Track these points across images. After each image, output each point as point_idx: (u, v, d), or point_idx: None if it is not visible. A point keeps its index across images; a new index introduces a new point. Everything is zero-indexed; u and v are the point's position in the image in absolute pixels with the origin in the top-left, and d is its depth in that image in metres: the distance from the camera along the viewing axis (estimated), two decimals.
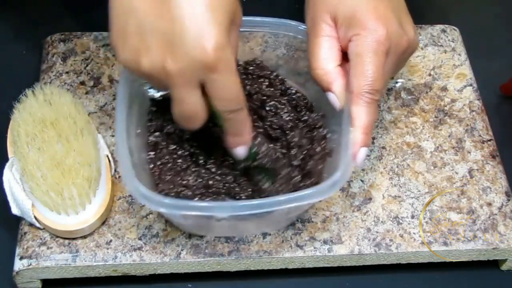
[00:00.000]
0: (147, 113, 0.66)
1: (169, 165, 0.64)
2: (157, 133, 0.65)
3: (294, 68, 0.71)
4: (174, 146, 0.65)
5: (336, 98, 0.62)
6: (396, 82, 0.77)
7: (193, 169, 0.65)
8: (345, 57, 0.63)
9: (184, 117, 0.57)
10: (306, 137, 0.67)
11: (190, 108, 0.56)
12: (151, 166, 0.65)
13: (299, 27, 0.68)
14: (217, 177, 0.64)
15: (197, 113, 0.56)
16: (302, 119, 0.68)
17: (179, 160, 0.65)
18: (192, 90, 0.55)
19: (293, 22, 0.69)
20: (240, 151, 0.60)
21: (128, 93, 0.63)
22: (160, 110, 0.65)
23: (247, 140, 0.60)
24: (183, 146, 0.65)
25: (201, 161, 0.65)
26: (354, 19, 0.61)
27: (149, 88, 0.60)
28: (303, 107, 0.69)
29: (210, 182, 0.64)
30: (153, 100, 0.63)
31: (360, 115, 0.61)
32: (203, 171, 0.65)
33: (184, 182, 0.63)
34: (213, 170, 0.65)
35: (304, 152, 0.66)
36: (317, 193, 0.59)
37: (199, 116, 0.57)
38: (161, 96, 0.60)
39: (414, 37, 0.64)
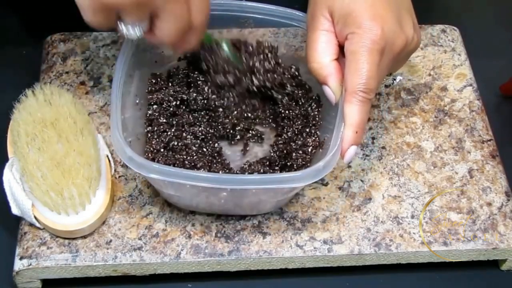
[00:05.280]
0: (147, 85, 0.70)
1: (161, 138, 0.67)
2: (155, 106, 0.68)
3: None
4: (166, 120, 0.68)
5: (331, 91, 0.63)
6: (394, 79, 0.77)
7: (184, 142, 0.67)
8: (342, 51, 0.63)
9: (181, 34, 0.59)
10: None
11: (185, 22, 0.58)
12: (147, 137, 0.67)
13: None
14: (202, 150, 0.67)
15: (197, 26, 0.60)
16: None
17: (169, 133, 0.67)
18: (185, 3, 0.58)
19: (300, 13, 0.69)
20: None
21: (127, 64, 0.65)
22: (159, 83, 0.69)
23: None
24: (177, 121, 0.68)
25: (191, 135, 0.68)
26: (350, 17, 0.61)
27: (124, 28, 0.58)
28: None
29: (194, 156, 0.66)
30: (134, 40, 0.64)
31: (353, 113, 0.61)
32: (194, 142, 0.67)
33: (171, 152, 0.66)
34: (200, 144, 0.67)
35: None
36: (297, 177, 0.60)
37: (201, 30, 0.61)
38: (140, 35, 0.59)
39: (413, 36, 0.64)
